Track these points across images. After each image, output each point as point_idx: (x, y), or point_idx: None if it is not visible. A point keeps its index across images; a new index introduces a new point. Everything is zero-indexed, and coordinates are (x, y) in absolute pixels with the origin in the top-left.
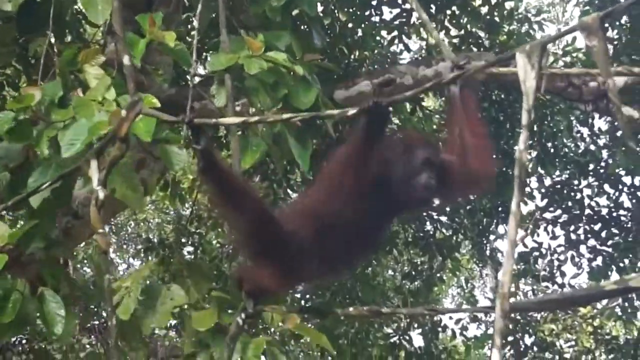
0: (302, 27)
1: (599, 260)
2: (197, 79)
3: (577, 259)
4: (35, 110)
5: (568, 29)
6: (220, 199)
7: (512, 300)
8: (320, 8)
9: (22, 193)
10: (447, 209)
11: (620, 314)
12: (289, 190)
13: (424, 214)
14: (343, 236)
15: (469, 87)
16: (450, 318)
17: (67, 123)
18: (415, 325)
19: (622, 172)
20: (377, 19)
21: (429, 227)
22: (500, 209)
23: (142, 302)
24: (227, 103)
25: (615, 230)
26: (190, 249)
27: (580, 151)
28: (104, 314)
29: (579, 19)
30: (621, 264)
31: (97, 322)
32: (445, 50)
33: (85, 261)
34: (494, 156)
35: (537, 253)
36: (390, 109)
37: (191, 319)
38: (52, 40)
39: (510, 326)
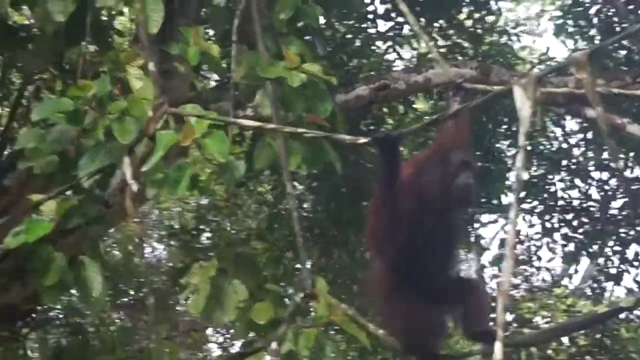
0: (306, 38)
1: (571, 246)
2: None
3: (551, 245)
4: (89, 101)
5: (559, 64)
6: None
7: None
8: (322, 20)
9: (71, 174)
10: None
11: (590, 293)
12: (295, 183)
13: None
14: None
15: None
16: None
17: (118, 116)
18: None
19: (592, 168)
20: (373, 30)
21: None
22: (484, 200)
23: (210, 297)
24: (272, 111)
25: (585, 220)
26: (209, 234)
27: (554, 149)
28: (132, 292)
29: (554, 32)
30: (590, 250)
31: (125, 300)
32: (437, 57)
33: (115, 245)
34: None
35: (516, 239)
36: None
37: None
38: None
39: (493, 304)
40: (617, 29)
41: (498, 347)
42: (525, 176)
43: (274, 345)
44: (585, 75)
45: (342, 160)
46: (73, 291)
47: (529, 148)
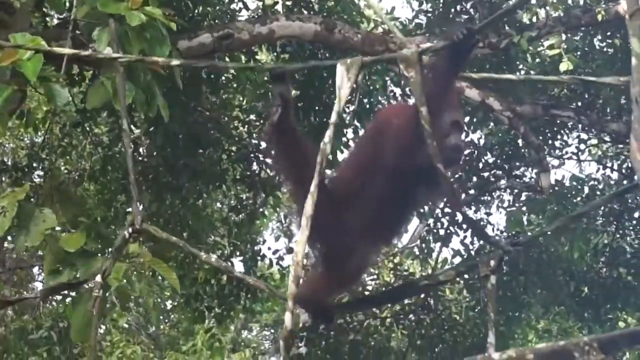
0: None
1: None
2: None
3: None
4: None
5: (387, 56)
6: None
7: None
8: None
9: None
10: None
11: (417, 253)
12: (132, 126)
13: (252, 155)
14: (376, 209)
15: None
16: (269, 248)
17: None
18: (237, 253)
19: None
20: None
21: (255, 167)
22: None
23: (17, 223)
24: (113, 46)
25: None
26: (41, 173)
27: None
28: None
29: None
30: (421, 210)
31: None
32: None
33: None
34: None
35: None
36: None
37: (54, 240)
38: None
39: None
40: None
41: (287, 317)
42: (361, 132)
43: (98, 278)
44: (413, 74)
45: (181, 107)
46: None
47: (367, 105)
